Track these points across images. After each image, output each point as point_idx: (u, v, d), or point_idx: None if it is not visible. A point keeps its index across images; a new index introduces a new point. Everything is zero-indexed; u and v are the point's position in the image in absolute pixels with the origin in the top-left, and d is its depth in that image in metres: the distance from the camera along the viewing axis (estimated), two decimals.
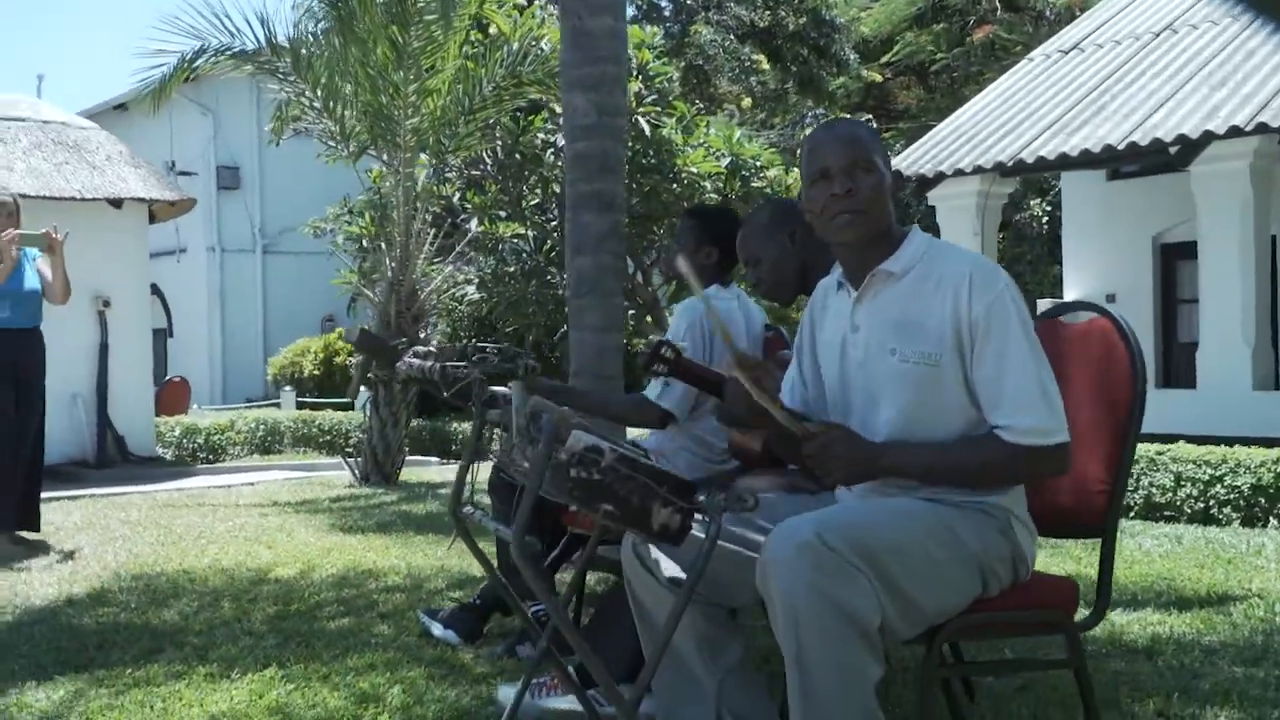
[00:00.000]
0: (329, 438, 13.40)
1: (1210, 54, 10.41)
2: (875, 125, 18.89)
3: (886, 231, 2.38)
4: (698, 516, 2.12)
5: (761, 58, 18.25)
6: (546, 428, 2.00)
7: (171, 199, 11.62)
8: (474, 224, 13.71)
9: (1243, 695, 2.96)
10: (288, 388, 17.29)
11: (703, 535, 2.08)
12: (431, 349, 2.57)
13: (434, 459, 12.37)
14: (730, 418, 2.78)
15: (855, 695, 2.06)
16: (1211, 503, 6.52)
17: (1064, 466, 2.27)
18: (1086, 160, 9.88)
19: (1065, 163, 10.01)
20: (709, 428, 3.55)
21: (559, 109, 12.56)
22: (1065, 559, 4.80)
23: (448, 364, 2.41)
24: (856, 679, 2.06)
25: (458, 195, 13.44)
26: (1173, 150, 9.30)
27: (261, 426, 13.83)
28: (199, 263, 21.84)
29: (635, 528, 2.09)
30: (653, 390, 3.49)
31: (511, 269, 13.06)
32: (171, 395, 16.55)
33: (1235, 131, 8.85)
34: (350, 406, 14.57)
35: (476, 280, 13.21)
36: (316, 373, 17.86)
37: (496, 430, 2.51)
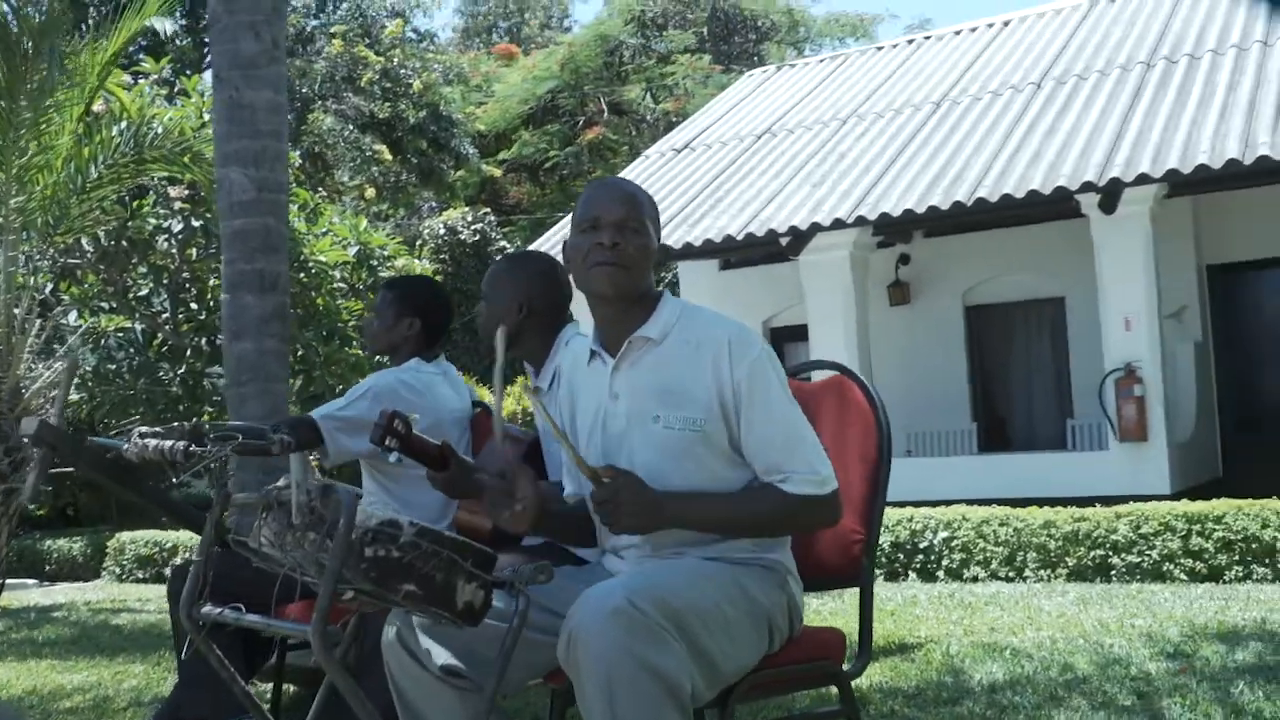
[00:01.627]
0: None
1: (808, 155, 11.48)
2: (493, 219, 19.26)
3: (644, 296, 2.37)
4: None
5: (383, 148, 18.14)
6: (345, 501, 1.79)
7: None
8: (72, 317, 12.53)
9: None
10: None
11: None
12: (158, 429, 2.25)
13: (30, 581, 10.99)
14: (450, 489, 2.65)
15: None
16: None
17: (838, 514, 2.30)
18: (709, 249, 10.54)
19: (689, 252, 10.61)
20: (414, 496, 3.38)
21: (173, 192, 11.91)
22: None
23: (192, 444, 2.12)
24: None
25: (49, 287, 12.23)
26: (784, 241, 10.13)
27: None
28: None
29: (439, 607, 1.91)
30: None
31: (115, 366, 12.01)
32: None
33: (839, 224, 9.79)
34: None
35: (76, 380, 12.01)
36: None
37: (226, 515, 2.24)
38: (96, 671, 5.07)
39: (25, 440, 2.78)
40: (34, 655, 5.66)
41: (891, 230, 10.65)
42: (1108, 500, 7.02)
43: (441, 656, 2.26)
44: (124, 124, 8.57)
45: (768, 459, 2.24)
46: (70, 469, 3.00)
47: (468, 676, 2.27)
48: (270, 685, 3.76)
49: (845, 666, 2.44)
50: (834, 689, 3.42)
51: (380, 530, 1.85)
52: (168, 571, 10.05)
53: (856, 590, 2.54)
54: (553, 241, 11.82)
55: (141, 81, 10.57)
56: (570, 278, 3.18)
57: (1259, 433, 10.70)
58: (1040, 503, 7.19)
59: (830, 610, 5.52)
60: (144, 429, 2.25)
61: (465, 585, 1.92)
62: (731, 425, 2.25)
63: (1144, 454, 9.37)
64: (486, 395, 12.69)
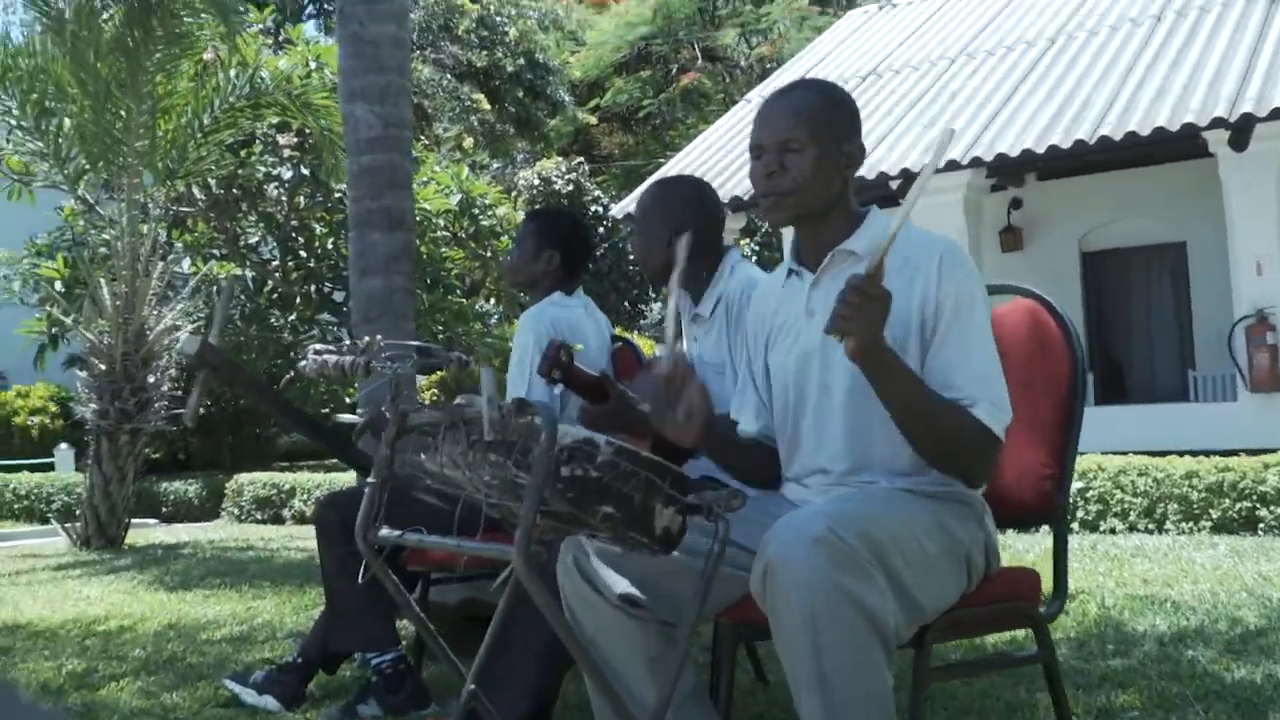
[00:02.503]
0: (25, 503, 11.94)
1: (917, 95, 11.15)
2: (587, 169, 19.16)
3: (834, 207, 2.22)
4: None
5: (481, 97, 18.10)
6: (546, 417, 1.70)
7: None
8: (185, 264, 12.75)
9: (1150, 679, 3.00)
10: None
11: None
12: (331, 346, 2.19)
13: (151, 520, 11.28)
14: (597, 423, 2.56)
15: (879, 708, 1.87)
16: None
17: (992, 471, 2.16)
18: None
19: None
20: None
21: (282, 140, 11.99)
22: None
23: (371, 360, 2.05)
24: (881, 689, 1.86)
25: (163, 235, 12.45)
26: (895, 185, 9.86)
27: None
28: None
29: (636, 531, 1.82)
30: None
31: (229, 312, 12.21)
32: None
33: (953, 165, 9.49)
34: (51, 467, 13.09)
35: (189, 327, 12.24)
36: None
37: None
38: (229, 605, 5.14)
39: (187, 359, 2.75)
40: (165, 589, 5.76)
41: (1004, 173, 10.32)
42: (1235, 454, 6.73)
43: (620, 585, 2.18)
44: (236, 70, 8.60)
45: (950, 379, 2.07)
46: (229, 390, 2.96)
47: (646, 607, 2.20)
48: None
49: (1041, 609, 2.30)
50: (1020, 632, 3.34)
51: (577, 448, 1.76)
52: (285, 513, 10.27)
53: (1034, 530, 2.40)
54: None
55: (249, 31, 10.63)
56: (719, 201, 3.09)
57: None
58: (1162, 456, 6.92)
59: (1011, 551, 5.34)
60: (318, 345, 2.20)
61: (663, 509, 1.82)
62: (925, 343, 2.11)
63: (1277, 405, 9.00)
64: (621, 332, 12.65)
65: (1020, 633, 3.44)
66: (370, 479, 2.10)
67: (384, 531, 2.12)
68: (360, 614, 3.26)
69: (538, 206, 17.40)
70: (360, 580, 2.14)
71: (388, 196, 5.03)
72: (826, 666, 1.83)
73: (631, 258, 18.38)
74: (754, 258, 18.61)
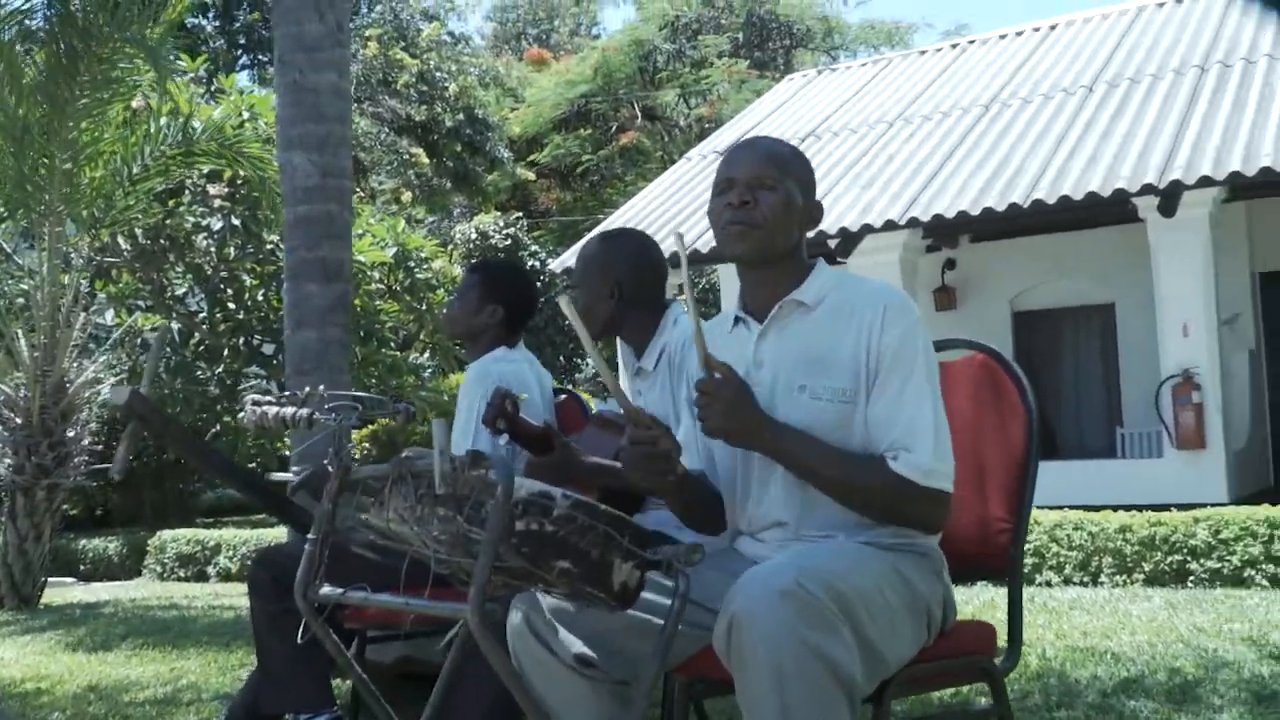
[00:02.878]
0: None
1: (855, 157, 11.32)
2: (525, 224, 19.14)
3: (789, 257, 2.21)
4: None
5: (419, 152, 18.04)
6: (501, 472, 1.63)
7: None
8: (109, 316, 12.46)
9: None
10: None
11: None
12: (269, 397, 2.11)
13: (69, 579, 10.90)
14: (542, 475, 2.51)
15: None
16: None
17: (939, 519, 2.11)
18: None
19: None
20: None
21: (212, 190, 11.80)
22: None
23: (315, 412, 1.97)
24: None
25: (85, 285, 12.16)
26: (832, 243, 9.96)
27: None
28: None
29: (593, 587, 1.75)
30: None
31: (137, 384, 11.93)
32: None
33: (890, 225, 9.62)
34: None
35: (110, 380, 11.93)
36: None
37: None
38: (152, 667, 4.94)
39: (117, 411, 2.63)
40: (85, 650, 5.53)
41: (938, 234, 10.47)
42: (1164, 509, 6.81)
43: (574, 645, 2.11)
44: (166, 119, 8.45)
45: (886, 434, 2.07)
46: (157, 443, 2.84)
47: (599, 666, 2.13)
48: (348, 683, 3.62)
49: (997, 662, 2.27)
50: (968, 688, 3.30)
51: (533, 501, 1.70)
52: (210, 569, 9.96)
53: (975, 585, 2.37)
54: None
55: (181, 79, 10.49)
56: (662, 256, 3.06)
57: None
58: (1091, 511, 6.99)
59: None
60: (256, 396, 2.11)
61: (621, 563, 1.76)
62: (868, 393, 2.09)
63: (1202, 462, 9.16)
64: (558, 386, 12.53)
65: (967, 687, 3.42)
66: (310, 535, 2.01)
67: (325, 589, 2.03)
68: (293, 674, 3.14)
69: (475, 260, 17.34)
70: (300, 639, 2.04)
71: (325, 247, 4.94)
72: None
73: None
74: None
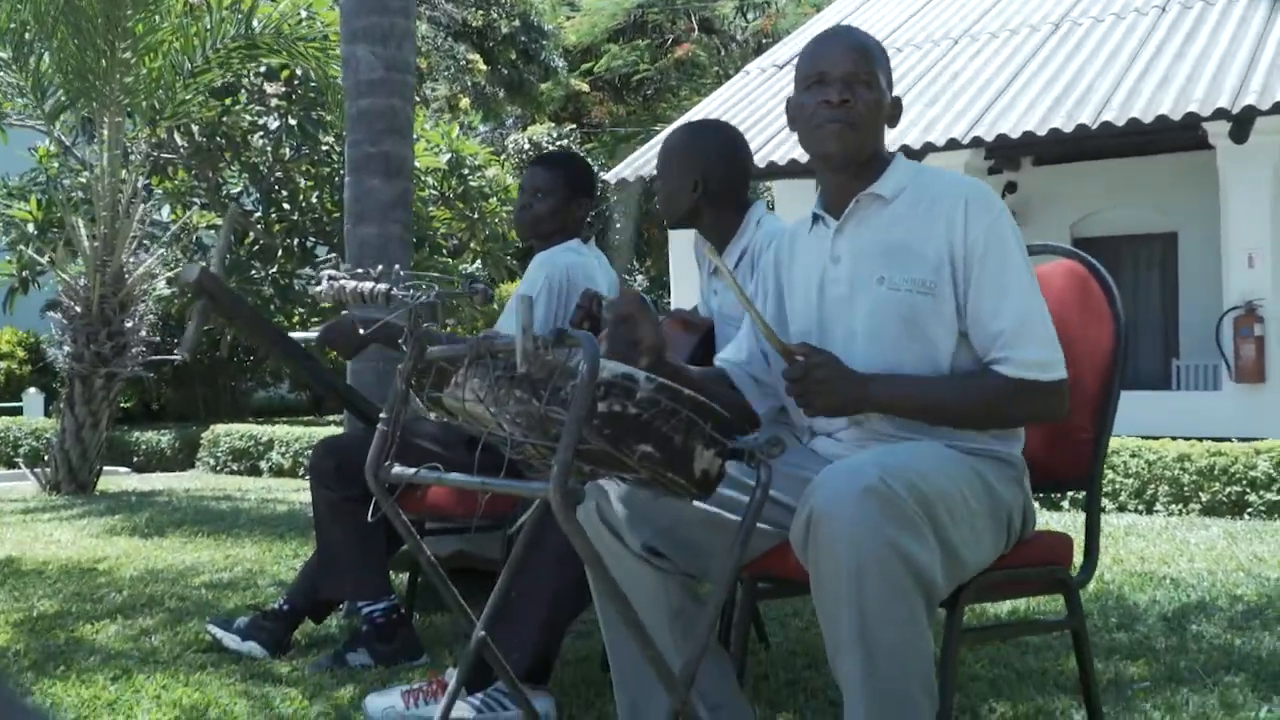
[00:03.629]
0: None
1: (918, 74, 11.05)
2: (577, 135, 18.96)
3: (875, 157, 2.14)
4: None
5: (477, 57, 17.82)
6: (588, 349, 1.59)
7: None
8: (165, 211, 12.53)
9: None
10: None
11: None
12: (343, 272, 2.07)
13: (121, 469, 11.10)
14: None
15: (920, 667, 1.78)
16: None
17: (1063, 407, 2.07)
18: (812, 169, 10.18)
19: (793, 169, 10.28)
20: None
21: (269, 88, 11.75)
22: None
23: (393, 287, 1.94)
24: (924, 649, 1.78)
25: (142, 181, 12.21)
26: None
27: None
28: None
29: (675, 473, 1.72)
30: None
31: (206, 263, 12.01)
32: None
33: (953, 144, 9.41)
34: (19, 412, 12.87)
35: (167, 275, 12.02)
36: None
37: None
38: (207, 553, 5.02)
39: (186, 289, 2.62)
40: (140, 536, 5.63)
41: (1001, 156, 10.25)
42: (1222, 441, 6.70)
43: (642, 535, 2.10)
44: (225, 12, 8.37)
45: (990, 331, 2.02)
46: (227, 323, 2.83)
47: (669, 557, 2.11)
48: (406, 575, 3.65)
49: (1073, 574, 2.22)
50: (1035, 600, 3.27)
51: (615, 383, 1.66)
52: (263, 464, 10.10)
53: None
54: (640, 163, 11.54)
55: None
56: (749, 151, 2.98)
57: None
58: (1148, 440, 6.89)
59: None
60: (332, 271, 2.08)
61: (703, 450, 1.72)
62: (959, 290, 2.04)
63: (1261, 395, 9.00)
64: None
65: (1034, 599, 3.40)
66: (383, 414, 1.99)
67: (396, 469, 2.01)
68: (353, 562, 3.16)
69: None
70: (370, 519, 2.03)
71: (387, 142, 4.87)
72: (870, 622, 1.75)
73: (619, 225, 18.21)
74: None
